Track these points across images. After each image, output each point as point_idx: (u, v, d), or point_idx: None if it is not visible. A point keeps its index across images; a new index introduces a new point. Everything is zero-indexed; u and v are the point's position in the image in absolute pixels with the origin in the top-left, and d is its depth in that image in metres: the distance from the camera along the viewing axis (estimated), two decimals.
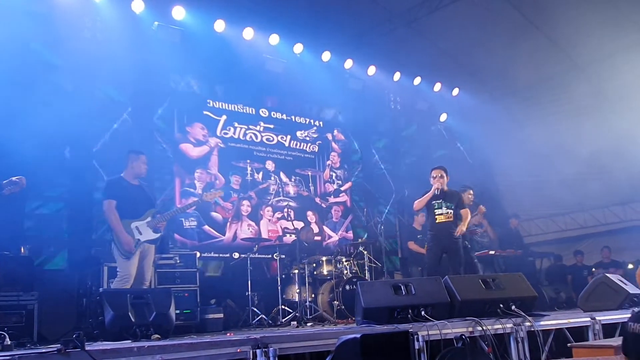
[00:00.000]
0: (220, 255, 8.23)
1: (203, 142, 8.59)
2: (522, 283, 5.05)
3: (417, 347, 3.82)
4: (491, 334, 4.27)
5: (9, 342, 3.44)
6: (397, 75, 10.41)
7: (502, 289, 4.85)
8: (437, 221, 6.28)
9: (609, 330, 4.96)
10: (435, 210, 6.29)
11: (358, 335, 3.01)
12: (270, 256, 8.15)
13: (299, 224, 9.11)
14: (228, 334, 4.93)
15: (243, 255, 7.69)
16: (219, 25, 8.36)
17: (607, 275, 5.76)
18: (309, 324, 6.62)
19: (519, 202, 10.97)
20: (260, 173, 9.11)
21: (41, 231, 6.81)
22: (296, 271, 7.19)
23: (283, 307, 7.02)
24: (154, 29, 7.92)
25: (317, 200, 9.77)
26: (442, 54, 10.51)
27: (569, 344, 4.41)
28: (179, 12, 7.95)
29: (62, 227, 7.05)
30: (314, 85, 9.34)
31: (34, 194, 6.75)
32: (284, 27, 8.77)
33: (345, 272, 7.22)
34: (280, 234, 8.98)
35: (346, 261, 7.37)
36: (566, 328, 4.77)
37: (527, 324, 4.49)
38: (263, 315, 6.88)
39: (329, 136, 10.24)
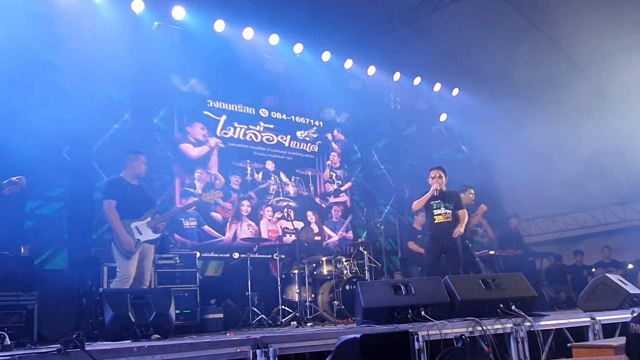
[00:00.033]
0: (220, 255, 8.23)
1: (203, 142, 8.59)
2: (522, 283, 5.05)
3: (417, 347, 3.82)
4: (491, 334, 4.27)
5: (9, 342, 3.44)
6: (397, 75, 10.41)
7: (502, 289, 4.86)
8: (435, 221, 6.28)
9: (608, 330, 4.97)
10: (434, 211, 6.28)
11: (358, 335, 3.01)
12: (270, 256, 8.15)
13: (299, 224, 9.11)
14: (228, 334, 4.93)
15: (243, 255, 7.69)
16: (219, 25, 8.36)
17: (607, 275, 5.77)
18: (309, 324, 6.62)
19: (519, 202, 10.97)
20: (260, 173, 9.11)
21: (41, 231, 6.80)
22: (296, 271, 7.19)
23: (283, 307, 7.03)
24: (154, 29, 7.92)
25: (317, 200, 9.77)
26: (442, 54, 10.51)
27: (569, 344, 4.43)
28: (178, 12, 7.95)
29: (62, 227, 7.04)
30: (313, 85, 9.33)
31: (34, 194, 6.75)
32: (283, 27, 8.77)
33: (345, 272, 7.22)
34: (280, 234, 8.98)
35: (346, 261, 7.37)
36: (566, 328, 4.77)
37: (527, 324, 4.49)
38: (263, 315, 6.88)
39: (329, 136, 10.24)
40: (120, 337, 4.30)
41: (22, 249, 6.23)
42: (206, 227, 8.28)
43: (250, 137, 9.12)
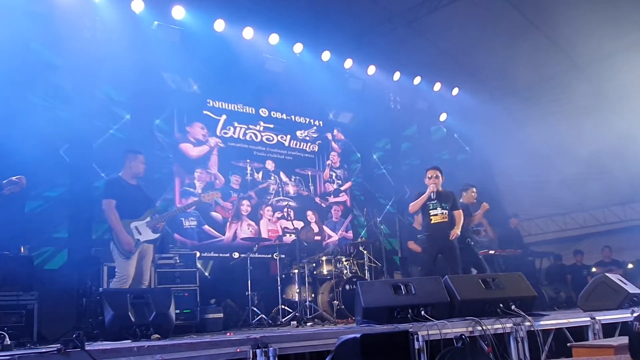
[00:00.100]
0: (220, 255, 8.23)
1: (203, 141, 8.59)
2: (521, 283, 5.05)
3: (417, 346, 3.82)
4: (491, 334, 4.27)
5: (9, 342, 3.44)
6: (397, 75, 10.41)
7: (501, 288, 4.85)
8: (432, 222, 6.25)
9: (608, 330, 4.97)
10: (430, 211, 6.26)
11: (358, 335, 3.01)
12: (270, 256, 8.15)
13: (299, 224, 9.11)
14: (228, 334, 4.92)
15: (243, 255, 7.69)
16: (219, 25, 8.36)
17: (607, 275, 5.76)
18: (308, 324, 6.62)
19: (519, 202, 10.98)
20: (260, 173, 9.11)
21: (41, 231, 6.80)
22: (296, 271, 7.19)
23: (283, 306, 7.02)
24: (154, 28, 7.92)
25: (317, 200, 9.77)
26: (442, 54, 10.51)
27: (568, 344, 4.42)
28: (178, 12, 7.95)
29: (62, 227, 7.04)
30: (313, 85, 9.33)
31: (34, 194, 6.75)
32: (283, 26, 8.77)
33: (345, 271, 7.22)
34: (280, 233, 8.98)
35: (346, 261, 7.37)
36: (566, 328, 4.77)
37: (527, 323, 4.49)
38: (263, 315, 6.88)
39: (329, 136, 10.24)
40: (120, 337, 4.30)
41: (22, 249, 6.23)
42: (206, 227, 8.28)
43: (250, 136, 9.12)
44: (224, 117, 8.86)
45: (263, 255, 8.15)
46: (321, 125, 10.15)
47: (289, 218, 9.15)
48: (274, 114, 9.50)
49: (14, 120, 6.09)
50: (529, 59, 9.83)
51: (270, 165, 9.23)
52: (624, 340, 3.64)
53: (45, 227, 6.85)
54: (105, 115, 7.60)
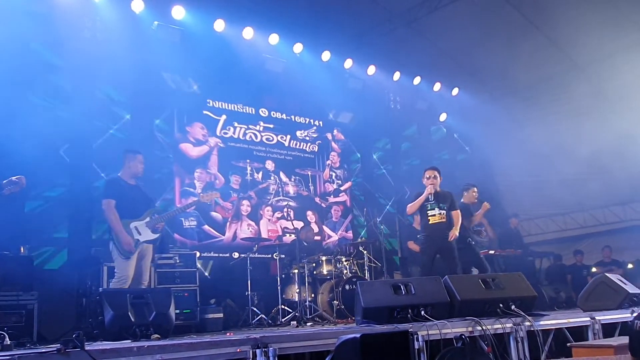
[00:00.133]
0: (220, 255, 8.23)
1: (203, 141, 8.59)
2: (521, 283, 5.05)
3: (416, 347, 3.82)
4: (491, 334, 4.27)
5: (9, 342, 3.44)
6: (396, 75, 10.41)
7: (501, 288, 4.85)
8: (430, 222, 6.24)
9: (608, 329, 4.97)
10: (428, 212, 6.24)
11: (358, 335, 3.01)
12: (270, 256, 8.15)
13: (299, 224, 9.11)
14: (228, 334, 4.92)
15: (243, 255, 7.69)
16: (219, 25, 8.36)
17: (607, 275, 5.76)
18: (308, 324, 6.62)
19: (519, 202, 10.98)
20: (260, 173, 9.11)
21: (41, 231, 6.80)
22: (296, 271, 7.19)
23: (283, 306, 7.02)
24: (154, 28, 7.92)
25: (317, 200, 9.77)
26: (442, 54, 10.51)
27: (568, 344, 4.42)
28: (178, 12, 7.95)
29: (62, 227, 7.04)
30: (313, 85, 9.33)
31: (34, 194, 6.75)
32: (283, 26, 8.77)
33: (345, 271, 7.22)
34: (280, 233, 8.98)
35: (346, 261, 7.37)
36: (566, 328, 4.77)
37: (527, 323, 4.49)
38: (263, 315, 6.87)
39: (329, 136, 10.24)
40: (120, 337, 4.30)
41: (22, 249, 6.24)
42: (206, 227, 8.28)
43: (250, 136, 9.12)
44: (223, 117, 8.86)
45: (263, 255, 8.15)
46: (321, 125, 10.15)
47: (289, 218, 9.15)
48: (273, 114, 9.50)
49: (14, 120, 6.10)
50: (529, 59, 9.83)
51: (270, 165, 9.23)
52: (624, 340, 3.64)
53: (45, 227, 6.85)
54: (105, 115, 7.60)
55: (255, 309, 6.97)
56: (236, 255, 8.22)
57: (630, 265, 9.98)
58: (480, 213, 7.24)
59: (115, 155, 6.46)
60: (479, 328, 4.26)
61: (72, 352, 2.80)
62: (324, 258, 7.39)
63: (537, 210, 11.76)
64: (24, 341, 4.88)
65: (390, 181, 10.83)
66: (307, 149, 9.84)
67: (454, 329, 4.14)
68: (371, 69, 10.08)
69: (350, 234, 9.97)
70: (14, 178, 4.51)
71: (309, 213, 9.53)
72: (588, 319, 4.90)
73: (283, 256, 7.67)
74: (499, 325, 4.39)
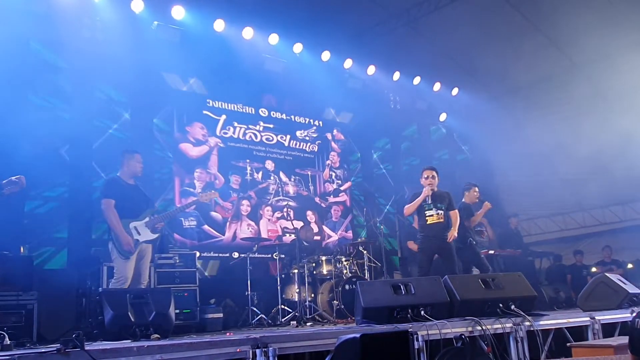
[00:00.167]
0: (220, 255, 8.23)
1: (203, 141, 8.59)
2: (521, 283, 5.04)
3: (416, 346, 3.82)
4: (491, 334, 4.27)
5: (9, 342, 3.44)
6: (396, 75, 10.41)
7: (501, 288, 4.85)
8: (427, 222, 6.20)
9: (608, 329, 4.97)
10: (426, 212, 6.20)
11: (357, 335, 3.01)
12: (269, 256, 8.15)
13: (299, 224, 9.11)
14: (227, 334, 4.92)
15: (243, 255, 7.69)
16: (219, 25, 8.36)
17: (607, 274, 5.77)
18: (308, 324, 6.61)
19: (518, 202, 10.97)
20: (260, 173, 9.11)
21: (41, 231, 6.80)
22: (296, 271, 7.18)
23: (282, 306, 7.02)
24: (154, 28, 7.92)
25: (317, 199, 9.77)
26: (442, 54, 10.51)
27: (568, 344, 4.42)
28: (178, 12, 7.95)
29: (62, 227, 7.04)
30: (313, 84, 9.33)
31: (34, 194, 6.75)
32: (283, 26, 8.77)
33: (344, 271, 7.22)
34: (280, 233, 8.98)
35: (346, 261, 7.37)
36: (566, 328, 4.77)
37: (527, 323, 4.49)
38: (262, 315, 6.87)
39: (329, 136, 10.24)
40: (120, 337, 4.30)
41: (22, 249, 6.24)
42: (206, 227, 8.28)
43: (250, 136, 9.12)
44: (223, 117, 8.86)
45: (263, 255, 8.15)
46: (321, 125, 10.15)
47: (289, 218, 9.15)
48: (273, 114, 9.50)
49: (14, 120, 6.10)
50: (529, 59, 9.83)
51: (270, 165, 9.23)
52: (624, 340, 3.64)
53: (45, 227, 6.85)
54: (105, 115, 7.60)
55: (255, 308, 6.97)
56: (236, 255, 8.22)
57: (630, 265, 9.99)
58: (481, 213, 7.20)
59: (115, 155, 6.45)
60: (479, 328, 4.26)
61: (72, 352, 2.80)
62: (323, 258, 7.39)
63: (537, 210, 11.76)
64: (24, 341, 4.87)
65: (390, 181, 10.83)
66: (307, 149, 9.84)
67: (453, 329, 4.13)
68: (371, 69, 10.08)
69: (350, 234, 9.97)
70: (13, 178, 4.50)
71: (309, 213, 9.53)
72: (588, 318, 4.90)
73: (283, 256, 7.68)
74: (499, 325, 4.39)
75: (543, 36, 9.77)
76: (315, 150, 9.95)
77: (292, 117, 9.78)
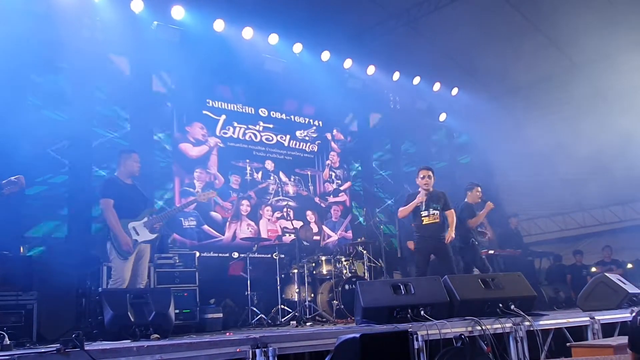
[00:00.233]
0: (220, 255, 8.22)
1: (202, 141, 8.58)
2: (521, 283, 5.04)
3: (416, 346, 3.82)
4: (490, 334, 4.27)
5: (8, 342, 3.44)
6: (396, 75, 10.40)
7: (501, 288, 4.85)
8: (423, 223, 6.18)
9: (608, 329, 4.97)
10: (422, 212, 6.18)
11: (357, 335, 3.01)
12: (269, 256, 8.15)
13: (299, 224, 9.11)
14: (227, 334, 4.93)
15: (242, 255, 7.69)
16: (219, 25, 8.36)
17: (607, 274, 5.77)
18: (308, 324, 6.61)
19: (518, 202, 10.97)
20: (260, 173, 9.11)
21: (41, 231, 6.80)
22: (295, 271, 7.19)
23: (282, 306, 7.02)
24: (153, 28, 7.92)
25: (317, 199, 9.77)
26: (442, 54, 10.51)
27: (568, 344, 4.42)
28: (178, 12, 7.94)
29: (62, 226, 7.03)
30: (313, 84, 9.33)
31: (34, 194, 6.74)
32: (283, 26, 8.77)
33: (344, 271, 7.22)
34: (280, 233, 8.98)
35: (345, 261, 7.36)
36: (565, 327, 4.77)
37: (527, 323, 4.49)
38: (262, 315, 6.87)
39: (329, 136, 10.23)
40: (120, 337, 4.30)
41: (22, 249, 6.23)
42: (206, 227, 8.27)
43: (250, 136, 9.12)
44: (223, 117, 8.86)
45: (262, 255, 8.14)
46: (321, 125, 10.14)
47: (289, 218, 9.15)
48: (273, 114, 9.49)
49: (14, 120, 6.10)
50: (528, 59, 9.83)
51: (269, 165, 9.23)
52: (624, 340, 3.64)
53: (45, 226, 6.84)
54: (104, 115, 7.59)
55: (254, 308, 6.97)
56: (236, 255, 8.21)
57: (629, 265, 9.99)
58: (484, 213, 7.17)
59: (114, 155, 6.47)
60: (479, 328, 4.26)
61: (72, 352, 2.80)
62: (323, 258, 7.39)
63: (537, 210, 11.75)
64: (24, 341, 4.88)
65: (389, 181, 10.82)
66: (307, 148, 9.83)
67: (453, 328, 4.13)
68: (371, 69, 10.07)
69: (349, 234, 9.96)
70: (12, 178, 4.50)
71: (309, 213, 9.53)
72: (587, 318, 4.90)
73: (282, 256, 7.67)
74: (499, 325, 4.39)
75: (543, 36, 9.77)
76: (315, 150, 9.94)
77: (292, 117, 9.78)
